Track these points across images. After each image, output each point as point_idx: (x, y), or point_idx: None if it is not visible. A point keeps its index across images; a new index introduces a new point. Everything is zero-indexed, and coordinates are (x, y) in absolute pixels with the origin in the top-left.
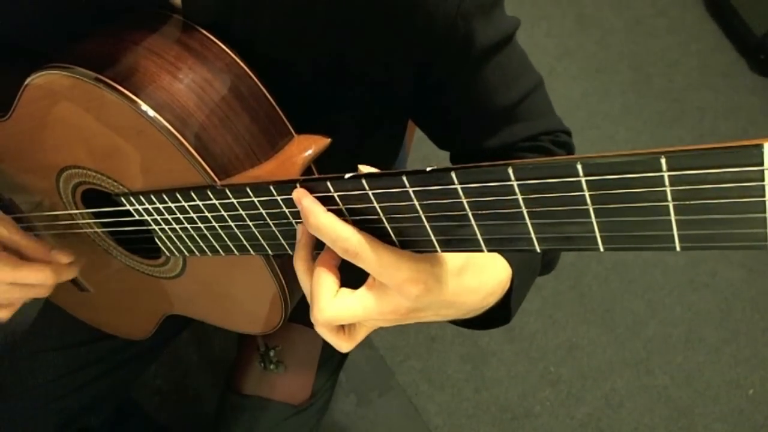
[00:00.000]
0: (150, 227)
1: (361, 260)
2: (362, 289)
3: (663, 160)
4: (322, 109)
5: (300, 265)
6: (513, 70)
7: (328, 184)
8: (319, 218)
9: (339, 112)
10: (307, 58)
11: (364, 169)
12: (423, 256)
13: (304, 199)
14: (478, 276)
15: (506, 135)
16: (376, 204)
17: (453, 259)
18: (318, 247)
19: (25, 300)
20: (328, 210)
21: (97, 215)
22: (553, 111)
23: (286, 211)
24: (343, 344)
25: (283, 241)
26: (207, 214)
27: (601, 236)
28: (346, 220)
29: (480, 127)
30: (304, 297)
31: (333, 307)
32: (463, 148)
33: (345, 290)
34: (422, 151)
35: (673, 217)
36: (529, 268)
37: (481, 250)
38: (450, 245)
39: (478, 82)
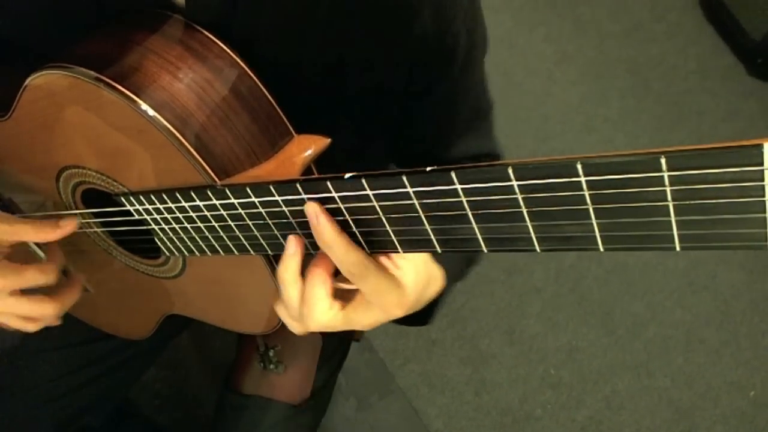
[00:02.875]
0: (150, 227)
1: (362, 282)
2: (351, 306)
3: (663, 160)
4: (321, 111)
5: (288, 276)
6: (479, 90)
7: (328, 184)
8: (336, 238)
9: (338, 113)
10: (308, 59)
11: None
12: (407, 280)
13: (321, 216)
14: (434, 287)
15: (458, 150)
16: (376, 204)
17: (421, 275)
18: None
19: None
20: (327, 208)
21: (97, 215)
22: (496, 137)
23: (286, 210)
24: (297, 328)
25: (282, 241)
26: (207, 213)
27: (601, 236)
28: (345, 220)
29: (439, 137)
30: None
31: (326, 318)
32: (410, 157)
33: (336, 305)
34: None
35: (673, 217)
36: (455, 280)
37: (481, 250)
38: (450, 245)
39: (452, 92)
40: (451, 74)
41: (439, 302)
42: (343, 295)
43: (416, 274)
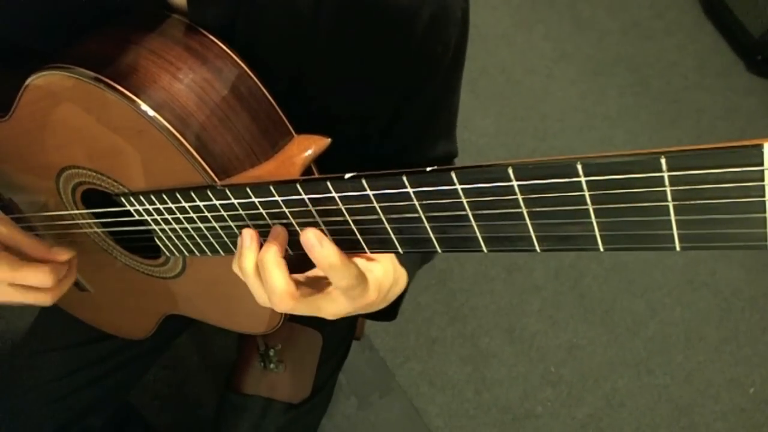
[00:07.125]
0: (150, 227)
1: (352, 291)
2: (321, 295)
3: (663, 161)
4: (325, 118)
5: (273, 258)
6: (458, 95)
7: (328, 184)
8: (340, 257)
9: (341, 119)
10: (308, 67)
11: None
12: (375, 275)
13: (324, 239)
14: (399, 287)
15: (432, 153)
16: (376, 204)
17: (389, 275)
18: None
19: (25, 303)
20: (327, 208)
21: (97, 215)
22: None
23: (286, 210)
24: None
25: None
26: (207, 214)
27: (601, 236)
28: (345, 220)
29: (419, 139)
30: None
31: (282, 282)
32: (379, 159)
33: (297, 288)
34: None
35: (673, 217)
36: (414, 279)
37: (481, 250)
38: (450, 245)
39: (436, 98)
40: (436, 79)
41: (401, 300)
42: (310, 283)
43: (384, 274)
